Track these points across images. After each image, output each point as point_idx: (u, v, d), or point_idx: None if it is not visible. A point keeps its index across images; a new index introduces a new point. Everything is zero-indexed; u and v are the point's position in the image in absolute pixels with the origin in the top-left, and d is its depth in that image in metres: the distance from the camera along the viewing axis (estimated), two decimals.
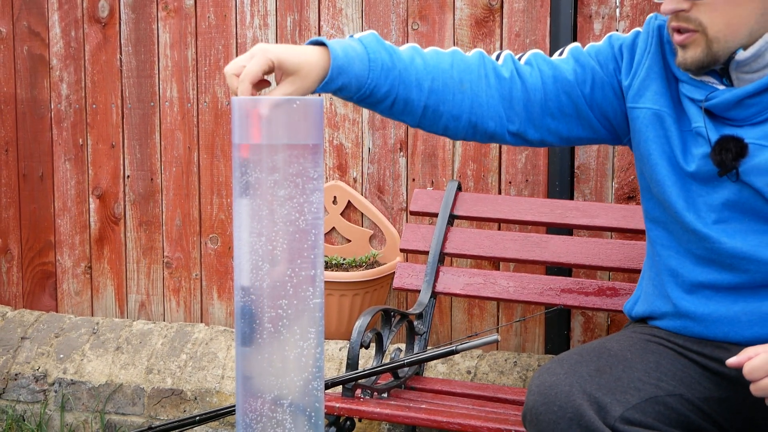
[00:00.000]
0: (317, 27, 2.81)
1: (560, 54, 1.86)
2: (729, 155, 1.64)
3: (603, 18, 2.57)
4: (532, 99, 1.80)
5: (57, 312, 3.14)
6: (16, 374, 2.93)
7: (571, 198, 2.62)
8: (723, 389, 1.76)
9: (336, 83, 1.52)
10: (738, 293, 1.75)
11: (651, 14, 1.81)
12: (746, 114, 1.69)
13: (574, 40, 2.57)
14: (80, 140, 3.08)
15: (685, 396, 1.73)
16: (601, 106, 1.85)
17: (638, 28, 1.83)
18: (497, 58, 1.79)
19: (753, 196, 1.66)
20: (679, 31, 1.66)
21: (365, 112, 2.79)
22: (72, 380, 2.87)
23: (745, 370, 1.49)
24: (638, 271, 2.31)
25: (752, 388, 1.51)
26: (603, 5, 2.57)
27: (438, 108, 1.71)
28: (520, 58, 1.81)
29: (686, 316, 1.80)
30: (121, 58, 3.02)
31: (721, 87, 1.70)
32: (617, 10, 2.58)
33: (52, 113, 3.10)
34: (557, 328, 2.68)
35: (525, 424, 1.70)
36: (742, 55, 1.66)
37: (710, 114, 1.71)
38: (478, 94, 1.74)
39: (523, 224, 2.56)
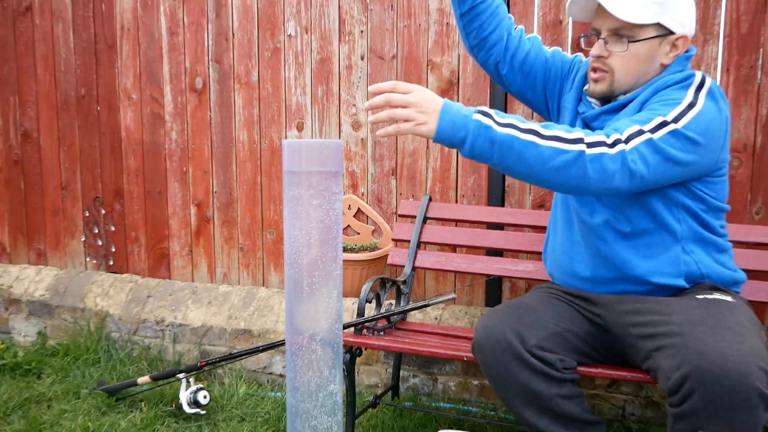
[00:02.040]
0: (338, 95, 2.84)
1: (548, 47, 1.94)
2: None
3: None
4: (518, 54, 1.86)
5: (170, 280, 3.18)
6: (144, 319, 2.98)
7: (503, 206, 2.64)
8: (595, 328, 1.79)
9: None
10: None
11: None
12: (599, 125, 1.74)
13: (506, 106, 2.60)
14: (184, 168, 3.11)
15: (575, 332, 1.76)
16: (547, 87, 1.91)
17: (586, 60, 1.89)
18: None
19: None
20: (595, 70, 1.72)
21: (370, 148, 2.82)
22: (180, 323, 2.92)
23: (367, 107, 1.49)
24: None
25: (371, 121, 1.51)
26: None
27: (483, 14, 1.82)
28: (527, 35, 1.92)
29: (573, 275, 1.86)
30: (210, 115, 3.05)
31: (593, 108, 1.78)
32: None
33: (166, 151, 3.13)
34: (493, 290, 2.70)
35: (473, 352, 1.74)
36: (621, 98, 1.73)
37: (585, 123, 1.79)
38: (507, 27, 1.86)
39: (472, 223, 2.58)
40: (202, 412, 2.40)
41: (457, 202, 2.72)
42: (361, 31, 2.79)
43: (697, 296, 1.65)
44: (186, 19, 3.03)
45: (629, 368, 1.78)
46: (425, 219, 2.53)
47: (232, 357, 2.39)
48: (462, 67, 2.68)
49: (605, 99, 1.76)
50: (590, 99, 1.78)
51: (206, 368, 2.47)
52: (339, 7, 2.81)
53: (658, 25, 1.64)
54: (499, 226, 2.56)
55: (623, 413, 2.45)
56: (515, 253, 2.55)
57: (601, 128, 1.67)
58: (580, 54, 1.94)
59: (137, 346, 2.96)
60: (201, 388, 2.41)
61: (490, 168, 2.62)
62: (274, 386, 2.78)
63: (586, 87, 1.79)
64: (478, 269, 2.43)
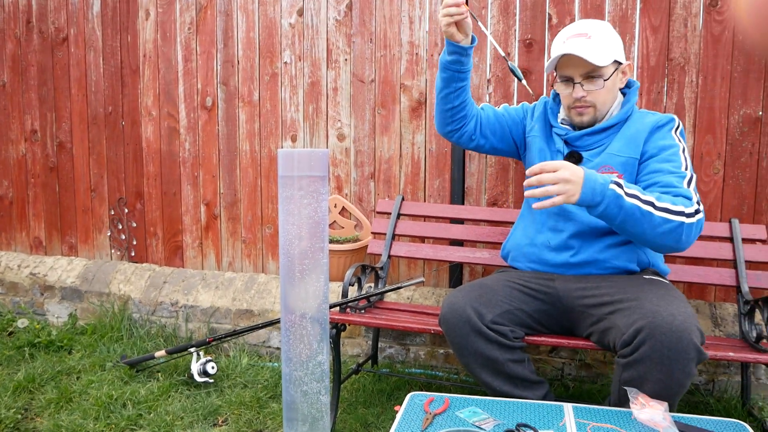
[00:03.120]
0: (326, 112, 2.79)
1: (498, 107, 2.00)
2: (573, 160, 1.79)
3: None
4: (484, 122, 1.92)
5: (183, 268, 3.09)
6: (160, 302, 2.89)
7: (463, 204, 2.61)
8: (544, 305, 1.79)
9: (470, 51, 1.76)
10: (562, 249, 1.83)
11: (541, 96, 2.01)
12: (584, 144, 1.82)
13: None
14: (196, 173, 3.03)
15: (524, 309, 1.76)
16: (512, 133, 1.97)
17: (534, 103, 1.98)
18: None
19: None
20: (580, 107, 1.78)
21: (353, 156, 2.77)
22: (191, 305, 2.83)
23: (525, 184, 1.52)
24: (498, 244, 2.33)
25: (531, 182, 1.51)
26: (480, 101, 2.58)
27: (468, 104, 1.87)
28: (480, 106, 1.98)
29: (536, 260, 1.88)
30: (218, 129, 2.97)
31: (570, 130, 1.84)
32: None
33: (180, 159, 3.05)
34: (455, 274, 2.67)
35: (440, 325, 1.73)
36: (597, 125, 1.80)
37: (567, 143, 1.85)
38: (476, 107, 1.93)
39: (437, 219, 2.55)
40: (211, 381, 2.35)
41: (425, 201, 2.68)
42: (345, 60, 2.75)
43: (644, 277, 1.74)
44: (198, 49, 2.96)
45: (567, 336, 1.81)
46: (399, 215, 2.49)
47: (235, 333, 2.32)
48: (429, 90, 2.64)
49: (590, 126, 1.83)
50: (563, 125, 1.85)
51: (214, 343, 2.40)
52: (327, 39, 2.76)
53: (615, 61, 1.74)
54: (459, 221, 2.53)
55: (562, 374, 2.43)
56: (473, 243, 2.52)
57: (584, 146, 1.80)
58: (524, 101, 2.05)
59: (155, 325, 2.87)
60: (209, 360, 2.35)
61: (453, 172, 2.59)
62: (272, 357, 2.72)
63: (562, 118, 1.87)
64: (442, 257, 2.39)
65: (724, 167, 2.35)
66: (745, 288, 2.08)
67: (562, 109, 1.88)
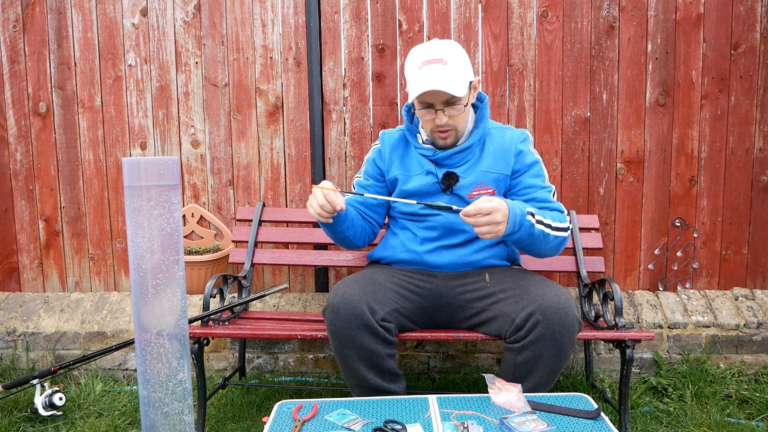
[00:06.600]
0: (178, 118, 2.68)
1: (359, 177, 2.01)
2: (450, 181, 1.85)
3: (336, 112, 2.62)
4: (372, 212, 1.96)
5: (21, 292, 2.80)
6: None
7: None
8: (424, 302, 1.88)
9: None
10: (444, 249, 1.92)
11: (381, 131, 2.00)
12: (453, 162, 1.87)
13: (323, 126, 2.60)
14: (31, 186, 2.76)
15: (406, 306, 1.83)
16: (384, 187, 2.00)
17: (376, 144, 1.98)
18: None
19: (458, 200, 1.86)
20: (442, 131, 1.83)
21: (209, 163, 2.68)
22: (32, 332, 2.57)
23: (469, 219, 1.59)
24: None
25: (475, 230, 1.60)
26: (336, 105, 2.62)
27: (359, 222, 1.89)
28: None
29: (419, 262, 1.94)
30: (55, 137, 2.73)
31: (437, 150, 1.89)
32: (345, 112, 2.63)
33: (11, 171, 2.76)
34: (321, 277, 2.69)
35: (325, 312, 1.72)
36: (462, 143, 1.87)
37: (436, 163, 1.89)
38: (366, 215, 1.94)
39: (300, 223, 2.54)
40: (59, 413, 2.15)
41: (287, 206, 2.67)
42: (196, 63, 2.65)
43: (515, 268, 1.90)
44: (27, 49, 2.70)
45: (439, 329, 1.90)
46: (260, 222, 2.45)
47: (85, 358, 2.15)
48: (285, 93, 2.63)
49: (452, 147, 1.88)
50: (427, 146, 1.89)
51: (61, 371, 2.20)
52: (175, 41, 2.65)
53: (469, 83, 1.79)
54: None
55: (428, 367, 2.53)
56: (337, 246, 2.53)
57: (453, 163, 1.86)
58: (370, 154, 2.02)
59: None
60: (56, 391, 2.16)
61: (314, 176, 2.60)
62: (130, 381, 2.55)
63: (424, 139, 1.90)
64: (307, 261, 2.40)
65: (562, 164, 2.60)
66: (583, 272, 2.31)
67: (422, 131, 1.92)
